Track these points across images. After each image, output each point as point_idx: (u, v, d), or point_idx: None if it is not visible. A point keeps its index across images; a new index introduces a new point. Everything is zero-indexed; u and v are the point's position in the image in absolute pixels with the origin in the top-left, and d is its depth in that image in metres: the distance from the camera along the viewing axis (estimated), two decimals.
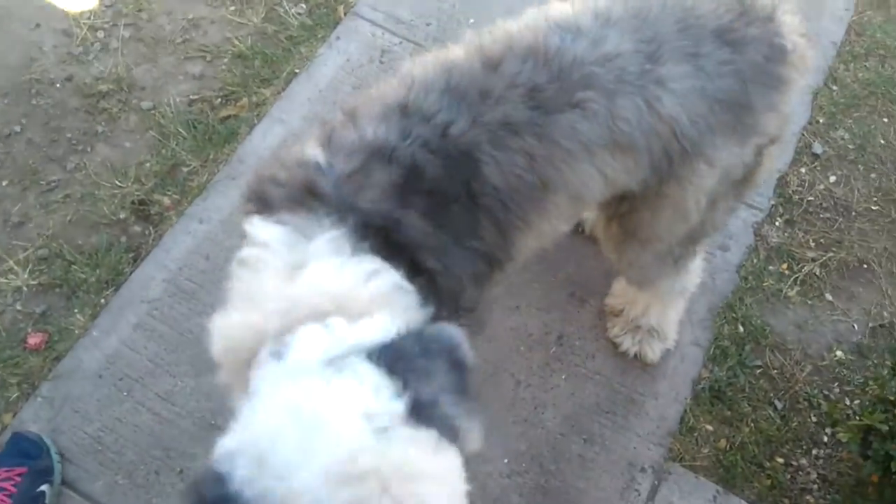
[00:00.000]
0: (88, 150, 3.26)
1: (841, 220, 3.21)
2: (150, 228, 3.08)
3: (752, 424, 2.80)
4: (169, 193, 3.14)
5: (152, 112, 3.33)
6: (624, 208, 2.21)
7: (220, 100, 3.39)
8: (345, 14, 3.61)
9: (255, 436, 1.33)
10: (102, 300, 2.93)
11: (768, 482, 2.71)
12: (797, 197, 3.24)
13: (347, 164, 1.69)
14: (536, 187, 1.84)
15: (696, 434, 2.77)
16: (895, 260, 3.13)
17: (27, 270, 2.96)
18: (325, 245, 1.58)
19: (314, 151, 1.73)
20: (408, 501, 1.25)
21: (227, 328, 1.62)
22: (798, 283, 3.07)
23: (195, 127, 3.29)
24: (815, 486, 2.72)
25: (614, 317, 2.91)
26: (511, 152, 1.78)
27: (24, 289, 2.94)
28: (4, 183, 3.16)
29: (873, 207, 3.24)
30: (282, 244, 1.61)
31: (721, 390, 2.84)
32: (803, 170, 3.30)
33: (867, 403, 2.73)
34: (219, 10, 3.62)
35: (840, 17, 3.72)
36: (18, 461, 2.55)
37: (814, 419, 2.83)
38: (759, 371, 2.90)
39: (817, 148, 3.36)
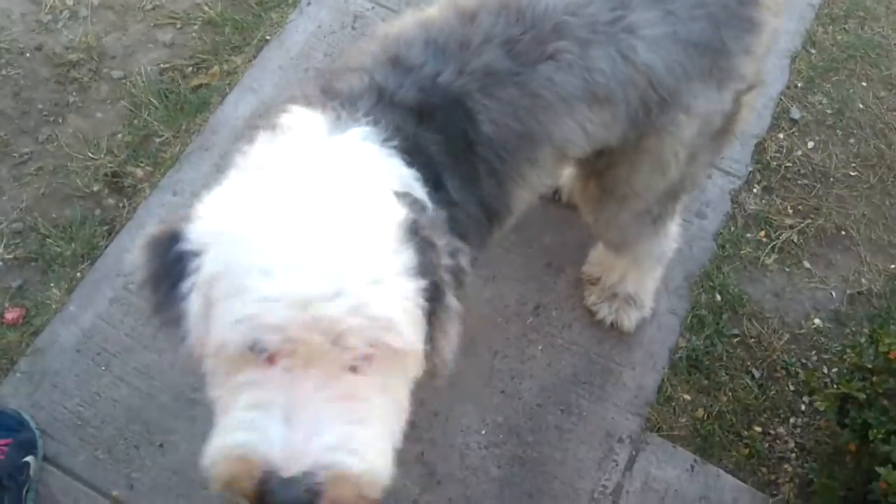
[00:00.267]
0: (60, 121, 3.05)
1: (819, 186, 3.04)
2: (124, 201, 2.89)
3: (730, 393, 2.66)
4: (142, 165, 2.95)
5: (123, 81, 3.13)
6: (602, 164, 2.09)
7: (191, 68, 3.18)
8: None
9: (236, 208, 1.32)
10: (78, 274, 2.76)
11: (746, 451, 2.58)
12: (775, 163, 3.06)
13: (362, 102, 1.65)
14: (525, 138, 1.79)
15: (673, 403, 2.63)
16: (873, 226, 2.97)
17: (2, 244, 2.79)
18: (357, 132, 1.56)
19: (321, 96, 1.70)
20: (368, 331, 1.22)
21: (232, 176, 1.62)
22: (776, 250, 2.90)
23: (167, 96, 3.09)
24: (793, 455, 2.59)
25: (591, 285, 2.76)
26: (499, 101, 1.73)
27: (0, 263, 2.76)
28: None
29: (851, 173, 3.07)
30: (317, 124, 1.58)
31: (698, 359, 2.69)
32: (781, 135, 3.12)
33: (845, 372, 2.59)
34: None
35: None
36: (1, 433, 2.40)
37: (791, 388, 2.69)
38: (736, 340, 2.75)
39: (795, 113, 3.17)
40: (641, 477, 2.53)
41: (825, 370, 2.72)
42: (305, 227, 1.28)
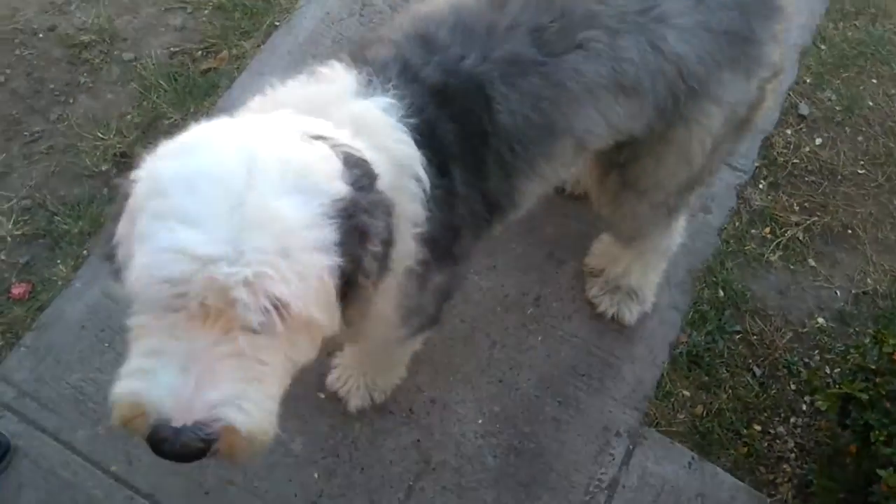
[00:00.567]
0: (71, 101, 2.92)
1: (826, 183, 2.86)
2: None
3: (730, 391, 2.49)
4: (150, 146, 2.79)
5: (134, 64, 2.98)
6: (624, 157, 1.96)
7: (200, 52, 3.04)
8: None
9: (189, 149, 1.27)
10: (85, 251, 2.63)
11: (745, 450, 2.42)
12: (782, 159, 2.89)
13: (389, 71, 1.60)
14: (544, 130, 1.71)
15: (672, 399, 2.47)
16: (880, 226, 2.79)
17: (11, 221, 2.65)
18: (380, 101, 1.53)
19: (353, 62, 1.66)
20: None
21: (255, 99, 1.60)
22: (781, 247, 2.73)
23: (176, 79, 2.94)
24: (793, 455, 2.43)
25: (593, 277, 2.60)
26: (520, 91, 1.66)
27: (9, 239, 2.63)
28: None
29: (860, 171, 2.89)
30: (349, 81, 1.55)
31: (699, 355, 2.53)
32: (789, 131, 2.94)
33: (847, 372, 2.42)
34: None
35: None
36: None
37: (793, 387, 2.52)
38: (738, 336, 2.59)
39: (804, 109, 2.99)
40: (638, 472, 2.37)
41: (827, 370, 2.55)
42: (234, 183, 1.20)
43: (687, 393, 2.49)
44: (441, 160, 1.61)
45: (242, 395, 1.21)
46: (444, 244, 1.68)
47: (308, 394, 2.40)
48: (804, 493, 2.36)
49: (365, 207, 1.30)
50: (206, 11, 3.13)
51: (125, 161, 2.79)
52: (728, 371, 2.53)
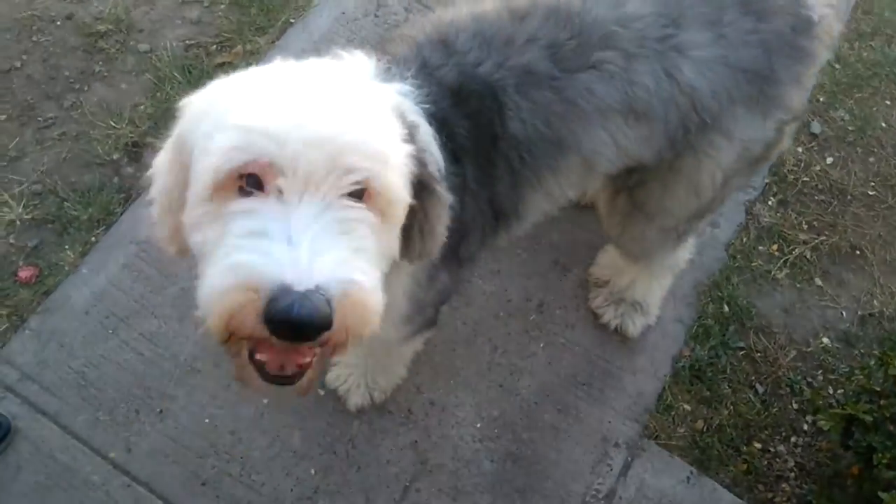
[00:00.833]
0: (85, 89, 2.84)
1: (836, 203, 2.77)
2: (143, 170, 2.66)
3: (732, 407, 2.41)
4: (162, 137, 2.73)
5: (149, 55, 2.91)
6: (634, 180, 1.90)
7: (215, 46, 2.96)
8: None
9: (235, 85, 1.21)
10: (93, 238, 2.56)
11: (744, 467, 2.33)
12: (792, 177, 2.80)
13: (407, 67, 1.57)
14: (552, 144, 1.67)
15: (673, 413, 2.38)
16: (889, 248, 2.70)
17: (21, 205, 2.59)
18: (398, 87, 1.47)
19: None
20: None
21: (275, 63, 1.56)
22: (788, 265, 2.64)
23: (190, 72, 2.86)
24: (792, 475, 2.34)
25: (598, 287, 2.52)
26: (532, 102, 1.62)
27: (18, 223, 2.57)
28: (2, 117, 2.76)
29: (870, 192, 2.80)
30: (369, 67, 1.50)
31: (701, 370, 2.44)
32: (800, 149, 2.85)
33: (851, 393, 2.34)
34: None
35: None
36: None
37: (795, 406, 2.43)
38: (741, 353, 2.50)
39: (815, 127, 2.90)
40: (635, 484, 2.29)
41: (830, 390, 2.46)
42: (309, 81, 1.18)
43: (688, 407, 2.40)
44: (454, 150, 1.58)
45: (354, 263, 1.12)
46: (451, 242, 1.59)
47: None
48: None
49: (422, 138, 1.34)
50: (222, 6, 3.05)
51: (136, 151, 2.73)
52: (730, 387, 2.44)
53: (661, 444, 2.33)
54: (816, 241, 2.69)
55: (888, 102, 2.97)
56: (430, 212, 1.35)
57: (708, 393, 2.42)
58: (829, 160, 2.85)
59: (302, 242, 1.07)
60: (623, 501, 2.27)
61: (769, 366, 2.48)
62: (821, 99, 2.97)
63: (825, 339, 2.54)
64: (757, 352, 2.50)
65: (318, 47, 2.93)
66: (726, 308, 2.55)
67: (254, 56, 2.93)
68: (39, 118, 2.78)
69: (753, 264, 2.63)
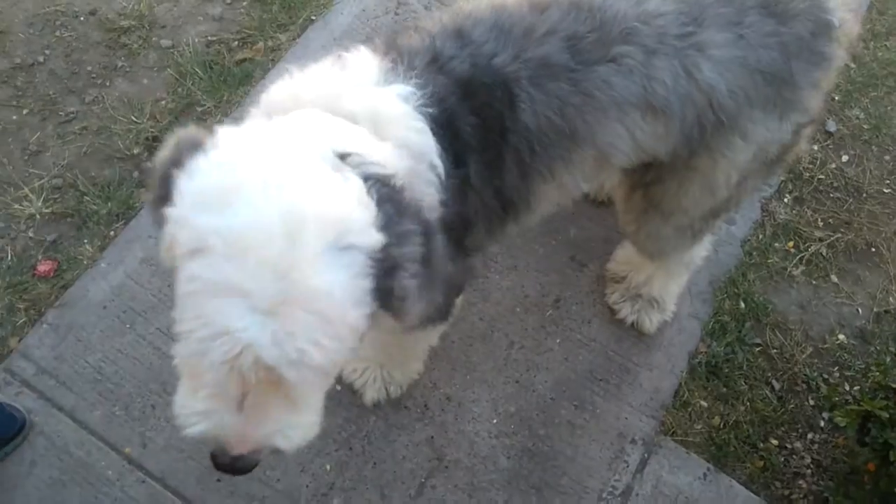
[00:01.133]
0: (107, 84, 2.76)
1: (851, 200, 2.66)
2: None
3: (748, 403, 2.31)
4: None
5: (171, 50, 2.83)
6: (650, 177, 1.84)
7: (236, 42, 2.87)
8: None
9: (231, 157, 1.22)
10: (112, 232, 2.48)
11: (761, 463, 2.24)
12: (808, 174, 2.70)
13: (418, 59, 1.53)
14: (565, 135, 1.61)
15: (689, 409, 2.29)
16: None
17: (41, 199, 2.51)
18: (400, 90, 1.46)
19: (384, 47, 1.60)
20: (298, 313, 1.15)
21: (278, 84, 1.54)
22: (804, 262, 2.54)
23: (211, 68, 2.78)
24: (809, 471, 2.24)
25: (614, 283, 2.43)
26: (546, 93, 1.57)
27: (38, 216, 2.49)
28: (25, 112, 2.68)
29: (885, 190, 2.69)
30: (370, 68, 1.49)
31: (718, 366, 2.35)
32: (816, 147, 2.75)
33: (867, 390, 2.26)
34: None
35: None
36: None
37: (811, 402, 2.34)
38: (758, 349, 2.40)
39: (831, 126, 2.80)
40: (652, 480, 2.19)
41: (847, 387, 2.36)
42: (276, 252, 1.14)
43: (704, 403, 2.30)
44: (458, 150, 1.53)
45: (287, 425, 1.32)
46: (455, 234, 1.59)
47: None
48: None
49: (395, 243, 1.25)
50: (244, 3, 2.98)
51: (157, 146, 2.64)
52: (747, 383, 2.34)
53: (678, 441, 2.24)
54: (832, 238, 2.59)
55: None
56: (395, 290, 1.29)
57: (724, 389, 2.33)
58: (845, 158, 2.75)
59: (245, 412, 1.26)
60: (639, 498, 2.17)
61: (785, 362, 2.39)
62: (836, 98, 2.87)
63: (841, 336, 2.44)
64: (773, 348, 2.41)
65: (339, 44, 2.82)
66: (742, 304, 2.45)
67: (275, 52, 2.85)
68: (61, 112, 2.71)
69: (769, 261, 2.54)
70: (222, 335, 1.16)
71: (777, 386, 2.36)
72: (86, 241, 2.47)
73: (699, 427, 2.27)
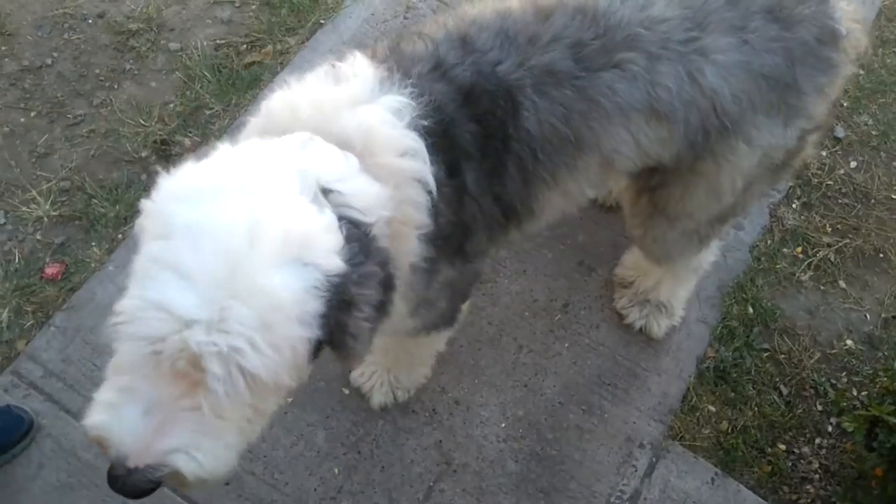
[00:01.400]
0: (115, 87, 2.79)
1: (859, 206, 2.68)
2: (171, 168, 2.61)
3: (756, 408, 2.33)
4: (190, 135, 2.68)
5: (179, 54, 2.85)
6: (655, 182, 1.85)
7: (245, 46, 2.90)
8: None
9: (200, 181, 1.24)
10: (120, 235, 2.50)
11: (769, 468, 2.25)
12: (816, 180, 2.72)
13: (419, 66, 1.54)
14: (569, 142, 1.61)
15: (697, 414, 2.30)
16: None
17: (49, 201, 2.53)
18: (392, 102, 1.45)
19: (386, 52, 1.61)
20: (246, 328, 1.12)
21: (276, 96, 1.53)
22: (812, 267, 2.56)
23: (220, 71, 2.81)
24: (817, 476, 2.26)
25: (623, 288, 2.44)
26: (550, 101, 1.57)
27: (45, 219, 2.51)
28: (33, 114, 2.70)
29: (893, 196, 2.72)
30: (364, 78, 1.47)
31: (726, 371, 2.36)
32: (824, 153, 2.77)
33: (875, 395, 2.27)
34: None
35: (872, 1, 3.14)
36: None
37: (819, 407, 2.35)
38: (766, 354, 2.42)
39: (839, 132, 2.82)
40: (660, 485, 2.21)
41: (854, 392, 2.38)
42: (234, 247, 1.15)
43: (712, 408, 2.32)
44: (453, 159, 1.53)
45: (196, 445, 1.21)
46: (454, 241, 1.61)
47: (333, 388, 2.26)
48: None
49: (355, 280, 1.25)
50: (253, 6, 3.00)
51: (165, 149, 2.67)
52: (755, 388, 2.36)
53: (686, 445, 2.26)
54: (840, 243, 2.61)
55: None
56: (349, 327, 1.28)
57: (732, 394, 2.34)
58: (853, 164, 2.77)
59: (154, 417, 1.18)
60: (647, 502, 2.19)
61: (793, 367, 2.41)
62: (845, 104, 2.89)
63: (849, 342, 2.46)
64: (781, 353, 2.43)
65: (347, 48, 2.82)
66: (751, 310, 2.47)
67: (283, 56, 2.87)
68: (69, 115, 2.73)
69: (778, 266, 2.55)
70: (156, 309, 1.13)
71: (785, 391, 2.37)
72: (93, 243, 2.48)
73: (707, 432, 2.28)
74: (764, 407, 2.33)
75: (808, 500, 2.22)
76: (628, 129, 1.62)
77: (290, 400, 2.16)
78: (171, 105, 2.76)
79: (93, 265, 2.44)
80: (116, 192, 2.57)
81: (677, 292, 2.35)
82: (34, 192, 2.54)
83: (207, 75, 2.79)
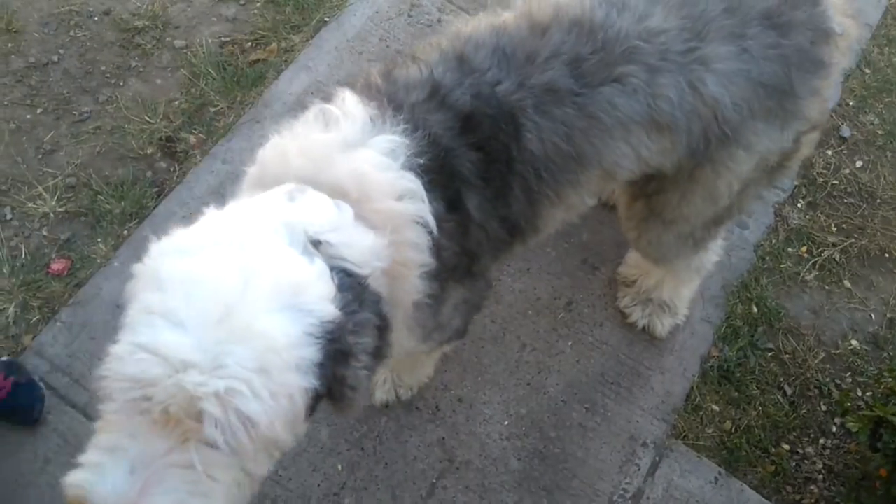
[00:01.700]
0: (121, 84, 2.81)
1: (865, 206, 2.69)
2: (175, 165, 2.65)
3: (760, 408, 2.34)
4: (195, 132, 2.70)
5: (185, 51, 2.88)
6: (652, 188, 1.85)
7: (250, 43, 2.92)
8: None
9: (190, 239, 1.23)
10: (125, 231, 2.53)
11: (772, 468, 2.27)
12: (822, 179, 2.73)
13: (414, 95, 1.52)
14: (572, 159, 1.61)
15: (701, 413, 2.32)
16: None
17: (55, 197, 2.56)
18: (385, 143, 1.43)
19: (378, 80, 1.59)
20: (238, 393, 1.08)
21: (269, 144, 1.51)
22: (817, 267, 2.57)
23: (225, 69, 2.83)
24: (820, 477, 2.27)
25: (625, 287, 2.46)
26: (552, 120, 1.57)
27: (51, 215, 2.54)
28: (39, 111, 2.73)
29: None
30: (354, 119, 1.45)
31: (730, 370, 2.38)
32: (830, 152, 2.78)
33: (880, 395, 2.27)
34: None
35: (878, 1, 3.15)
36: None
37: (823, 408, 2.37)
38: (770, 354, 2.43)
39: (845, 131, 2.83)
40: (663, 484, 2.23)
41: (859, 393, 2.39)
42: (227, 293, 1.13)
43: (716, 407, 2.33)
44: (453, 192, 1.52)
45: None
46: (461, 268, 1.60)
47: None
48: None
49: (351, 329, 1.23)
50: (258, 4, 3.02)
51: (170, 146, 2.70)
52: (759, 388, 2.37)
53: (689, 445, 2.27)
54: (845, 243, 2.62)
55: None
56: (347, 379, 1.25)
57: (736, 394, 2.36)
58: (859, 163, 2.78)
59: (139, 476, 1.11)
60: (650, 502, 2.21)
61: (798, 367, 2.42)
62: (850, 103, 2.90)
63: (854, 342, 2.47)
64: (785, 353, 2.44)
65: (352, 46, 2.90)
66: (755, 309, 2.48)
67: (288, 53, 2.89)
68: (75, 112, 2.76)
69: (782, 266, 2.57)
70: (148, 352, 1.09)
71: (789, 391, 2.38)
72: (99, 239, 2.51)
73: (710, 431, 2.30)
74: (768, 407, 2.34)
75: (812, 501, 2.23)
76: (629, 143, 1.62)
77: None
78: (177, 102, 2.78)
79: (98, 261, 2.47)
80: (122, 188, 2.59)
81: (680, 292, 2.36)
82: (40, 189, 2.57)
83: (212, 73, 2.81)
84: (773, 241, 2.61)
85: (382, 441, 2.23)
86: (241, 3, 3.02)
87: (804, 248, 2.60)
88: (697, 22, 1.58)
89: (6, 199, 2.55)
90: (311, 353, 1.16)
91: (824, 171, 2.74)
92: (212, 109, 2.76)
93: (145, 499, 1.11)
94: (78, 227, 2.55)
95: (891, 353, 2.43)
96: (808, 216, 2.66)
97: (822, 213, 2.67)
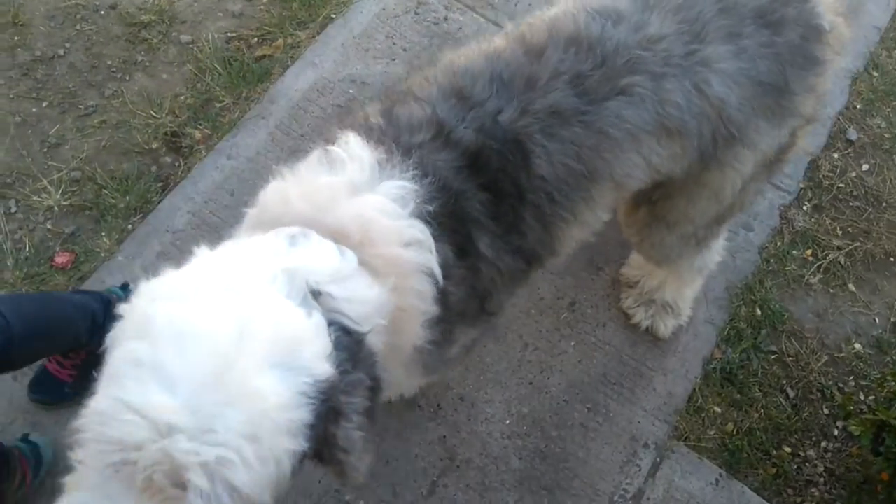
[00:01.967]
0: (127, 78, 2.83)
1: (871, 209, 2.70)
2: (180, 160, 2.68)
3: (762, 410, 2.35)
4: (201, 127, 2.73)
5: (191, 46, 2.90)
6: (657, 195, 1.85)
7: (256, 39, 2.94)
8: None
9: (181, 285, 1.17)
10: (129, 226, 2.55)
11: (773, 471, 2.28)
12: (827, 182, 2.74)
13: (419, 136, 1.49)
14: (584, 176, 1.60)
15: (703, 414, 2.33)
16: None
17: (60, 191, 2.58)
18: (395, 190, 1.39)
19: (380, 121, 1.54)
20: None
21: (271, 187, 1.46)
22: (821, 270, 2.58)
23: (231, 64, 2.85)
24: (822, 480, 2.28)
25: (628, 288, 2.47)
26: (560, 142, 1.55)
27: (56, 209, 2.56)
28: (44, 104, 2.75)
29: None
30: (361, 162, 1.41)
31: (733, 372, 2.39)
32: (836, 155, 2.79)
33: (882, 399, 2.28)
34: None
35: (886, 2, 3.16)
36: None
37: (826, 411, 2.38)
38: (773, 356, 2.44)
39: (852, 134, 2.84)
40: (664, 485, 2.24)
41: (862, 396, 2.40)
42: (221, 350, 1.07)
43: (718, 409, 2.35)
44: (464, 236, 1.49)
45: None
46: (471, 310, 1.59)
47: None
48: None
49: (343, 389, 1.19)
50: (264, 0, 3.03)
51: (175, 140, 2.72)
52: (761, 390, 2.39)
53: (691, 446, 2.28)
54: (850, 247, 2.63)
55: None
56: (337, 438, 1.21)
57: (738, 396, 2.37)
58: (865, 167, 2.79)
59: None
60: (651, 502, 2.22)
61: (800, 370, 2.43)
62: (857, 106, 2.91)
63: (857, 345, 2.48)
64: (788, 356, 2.45)
65: (358, 43, 2.91)
66: (759, 311, 2.50)
67: (294, 49, 2.91)
68: (80, 106, 2.78)
69: (787, 268, 2.58)
70: (133, 412, 1.02)
71: (791, 394, 2.40)
72: (103, 233, 2.53)
73: (712, 433, 2.31)
74: (770, 409, 2.36)
75: (813, 503, 2.25)
76: (640, 153, 1.62)
77: None
78: (182, 97, 2.80)
79: (102, 255, 2.49)
80: (127, 182, 2.61)
81: (683, 292, 2.38)
82: (45, 182, 2.60)
83: (218, 68, 2.83)
84: (778, 244, 2.62)
85: (384, 438, 2.24)
86: None
87: (809, 251, 2.61)
88: (695, 24, 1.59)
89: (11, 192, 2.58)
90: (303, 414, 1.11)
91: (830, 175, 2.75)
92: (217, 105, 2.78)
93: None
94: (82, 221, 2.57)
95: (894, 357, 2.44)
96: (813, 219, 2.68)
97: (827, 217, 2.68)
